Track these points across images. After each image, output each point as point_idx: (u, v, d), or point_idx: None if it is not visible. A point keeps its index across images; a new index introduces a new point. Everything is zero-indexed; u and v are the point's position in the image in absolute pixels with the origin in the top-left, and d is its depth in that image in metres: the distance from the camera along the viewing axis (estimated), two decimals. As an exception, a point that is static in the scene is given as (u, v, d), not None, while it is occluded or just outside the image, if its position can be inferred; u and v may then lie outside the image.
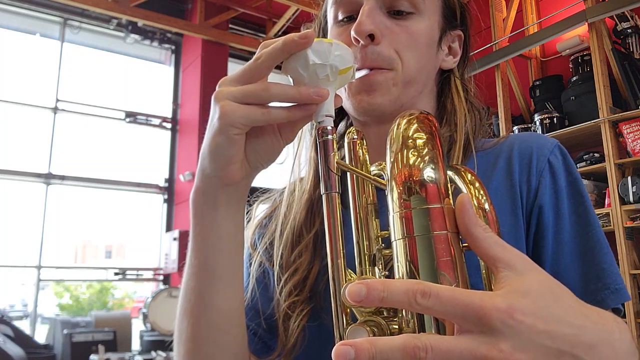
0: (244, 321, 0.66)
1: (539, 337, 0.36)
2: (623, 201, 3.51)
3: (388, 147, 0.47)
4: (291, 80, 0.54)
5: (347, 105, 0.73)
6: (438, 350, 0.36)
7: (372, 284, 0.38)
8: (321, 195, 0.50)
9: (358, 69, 0.68)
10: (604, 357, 0.38)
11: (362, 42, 0.68)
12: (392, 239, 0.44)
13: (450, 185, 0.46)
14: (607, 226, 3.51)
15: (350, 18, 0.73)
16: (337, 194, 0.50)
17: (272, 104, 0.53)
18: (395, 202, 0.44)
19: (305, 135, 0.80)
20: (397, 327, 0.43)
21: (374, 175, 0.51)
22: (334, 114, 0.53)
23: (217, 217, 0.58)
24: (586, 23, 3.75)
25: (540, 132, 4.00)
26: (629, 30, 3.78)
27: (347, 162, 0.52)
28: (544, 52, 4.68)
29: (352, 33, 0.68)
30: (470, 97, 0.80)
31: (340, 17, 0.74)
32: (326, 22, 0.79)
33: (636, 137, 3.51)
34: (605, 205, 3.66)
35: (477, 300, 0.37)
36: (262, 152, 0.58)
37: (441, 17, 0.75)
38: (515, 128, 4.30)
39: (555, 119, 4.04)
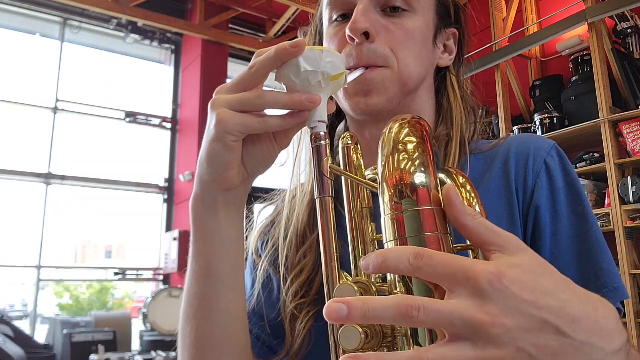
0: (247, 324, 0.66)
1: (524, 305, 0.37)
2: (623, 201, 3.51)
3: (380, 151, 0.48)
4: (285, 87, 0.55)
5: (345, 106, 0.73)
6: (430, 310, 0.36)
7: (373, 256, 0.40)
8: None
9: (354, 68, 0.68)
10: (588, 331, 0.39)
11: (357, 40, 0.68)
12: (384, 240, 0.45)
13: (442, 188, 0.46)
14: (607, 226, 3.51)
15: (345, 18, 0.73)
16: (330, 197, 0.50)
17: (268, 112, 0.54)
18: (386, 204, 0.45)
19: (305, 139, 0.80)
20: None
21: (368, 179, 0.52)
22: (327, 120, 0.54)
23: (217, 222, 0.59)
24: (586, 23, 3.76)
25: (540, 132, 4.00)
26: (629, 30, 3.78)
27: (342, 167, 0.53)
28: (544, 52, 4.68)
29: (347, 31, 0.68)
30: (466, 95, 0.80)
31: (335, 17, 0.75)
32: (322, 25, 0.80)
33: (636, 137, 3.51)
34: (605, 205, 3.67)
35: (468, 264, 0.38)
36: (259, 158, 0.59)
37: (435, 14, 0.75)
38: (515, 128, 4.30)
39: (555, 119, 4.04)
